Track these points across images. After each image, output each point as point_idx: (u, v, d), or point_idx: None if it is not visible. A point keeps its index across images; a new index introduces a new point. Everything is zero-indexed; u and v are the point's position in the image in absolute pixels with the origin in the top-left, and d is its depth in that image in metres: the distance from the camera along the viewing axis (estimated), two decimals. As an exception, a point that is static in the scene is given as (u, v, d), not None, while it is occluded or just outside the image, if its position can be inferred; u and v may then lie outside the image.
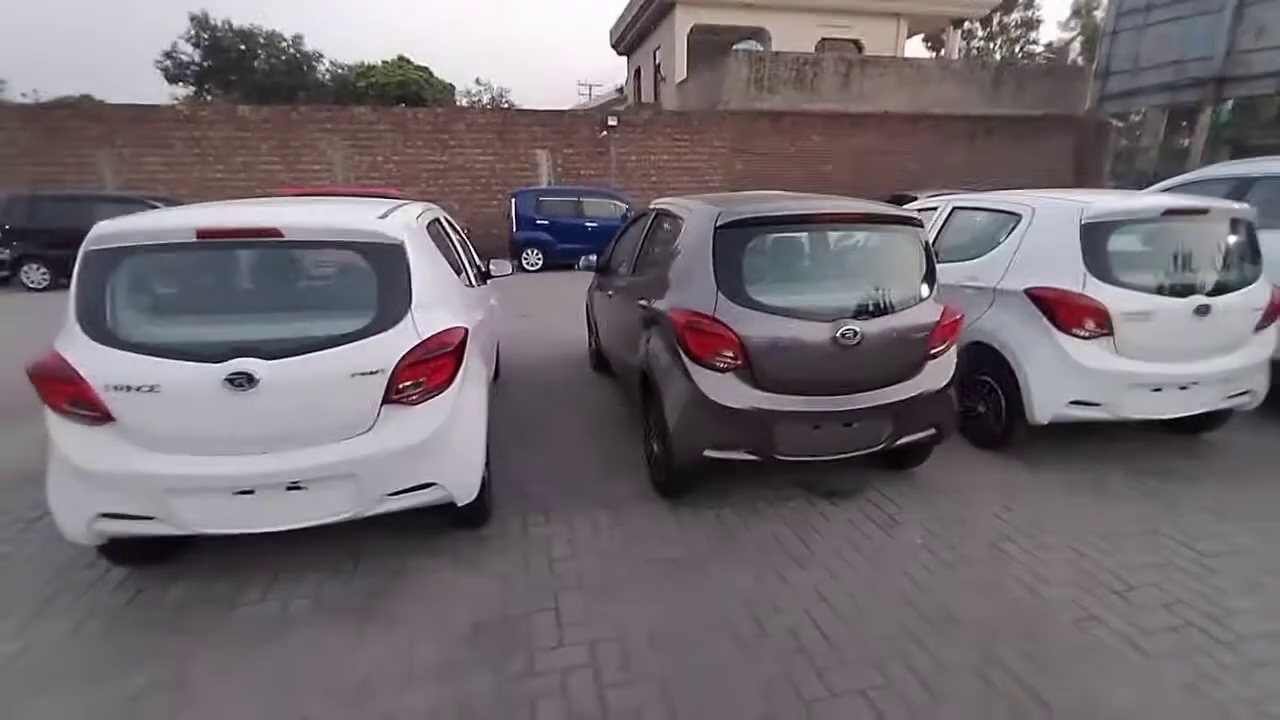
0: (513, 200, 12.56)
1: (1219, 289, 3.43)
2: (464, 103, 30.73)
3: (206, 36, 28.16)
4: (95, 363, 2.20)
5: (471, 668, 2.18)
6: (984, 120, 17.47)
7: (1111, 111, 17.58)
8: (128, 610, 2.50)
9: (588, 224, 12.55)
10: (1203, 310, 3.34)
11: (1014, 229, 3.83)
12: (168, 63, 29.10)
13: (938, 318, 3.05)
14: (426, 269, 2.65)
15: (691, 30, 19.63)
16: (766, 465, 3.11)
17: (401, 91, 27.05)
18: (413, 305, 2.49)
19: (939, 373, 3.11)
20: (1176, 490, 3.40)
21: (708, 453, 2.95)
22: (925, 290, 3.09)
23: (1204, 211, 3.51)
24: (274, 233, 2.34)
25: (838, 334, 2.83)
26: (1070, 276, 3.41)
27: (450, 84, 31.02)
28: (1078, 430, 3.79)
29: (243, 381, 2.21)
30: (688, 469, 3.06)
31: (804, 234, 3.07)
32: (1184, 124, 19.64)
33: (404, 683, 2.12)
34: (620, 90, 30.37)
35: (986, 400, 3.82)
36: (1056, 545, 2.87)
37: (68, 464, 2.27)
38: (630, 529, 3.06)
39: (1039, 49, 36.82)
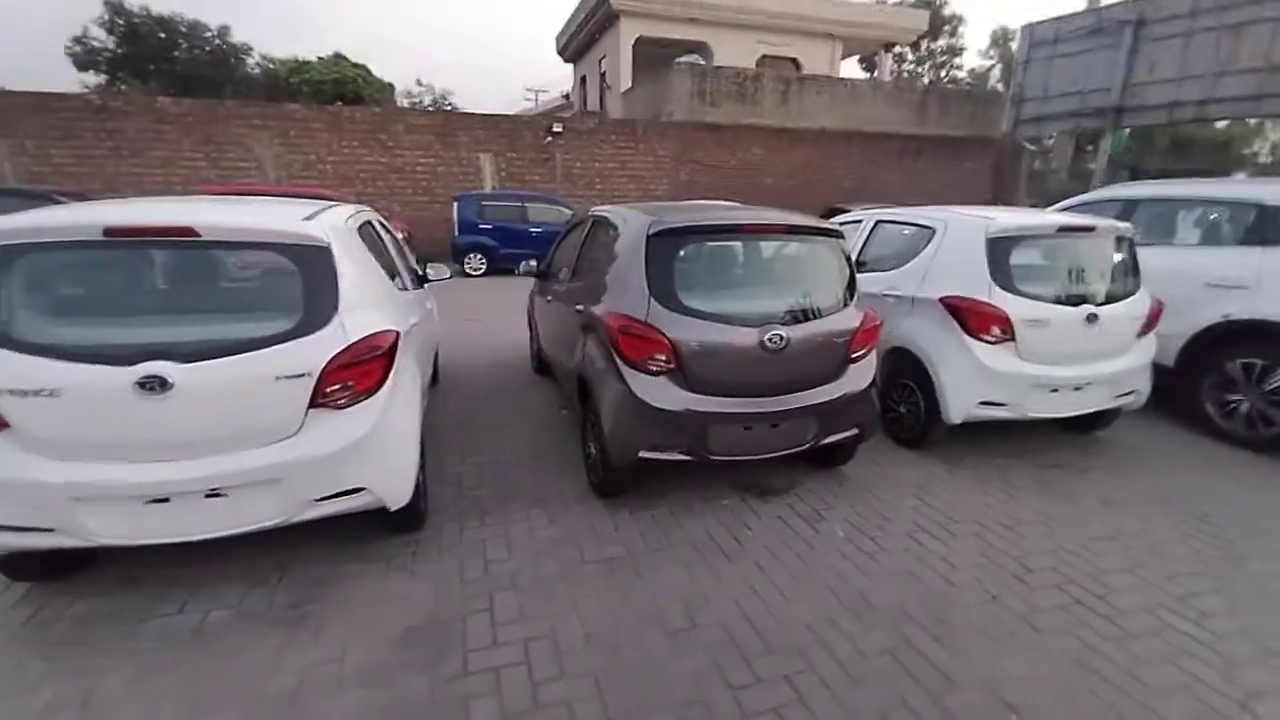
0: (455, 204, 12.36)
1: (1106, 299, 3.78)
2: (405, 104, 29.97)
3: (122, 22, 26.39)
4: (21, 367, 2.07)
5: (404, 671, 2.16)
6: (913, 139, 18.46)
7: (1025, 135, 18.93)
8: (27, 627, 2.34)
9: (532, 230, 12.49)
10: (1092, 318, 3.67)
11: (929, 241, 4.10)
12: (77, 49, 27.09)
13: (858, 324, 3.24)
14: (356, 271, 2.61)
15: (637, 41, 19.90)
16: (700, 466, 3.21)
17: (338, 90, 26.10)
18: (340, 308, 2.46)
19: (860, 375, 3.30)
20: (1071, 482, 3.71)
21: (643, 454, 3.03)
22: (847, 298, 3.28)
23: (1091, 229, 3.86)
24: (189, 232, 2.26)
25: (765, 338, 2.96)
26: (978, 286, 3.68)
27: (390, 84, 30.21)
28: (987, 429, 4.08)
29: (155, 385, 2.12)
30: (623, 470, 3.12)
31: (733, 243, 3.21)
32: (1089, 148, 21.37)
33: (335, 689, 2.08)
34: (566, 97, 30.40)
35: (907, 401, 4.06)
36: (965, 535, 3.09)
37: (-49, 473, 2.11)
38: (567, 529, 3.10)
39: (962, 74, 39.27)
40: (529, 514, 3.24)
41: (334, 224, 2.65)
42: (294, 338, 2.34)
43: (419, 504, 2.89)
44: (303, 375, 2.33)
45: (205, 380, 2.19)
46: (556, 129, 15.04)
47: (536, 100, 38.18)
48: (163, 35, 27.35)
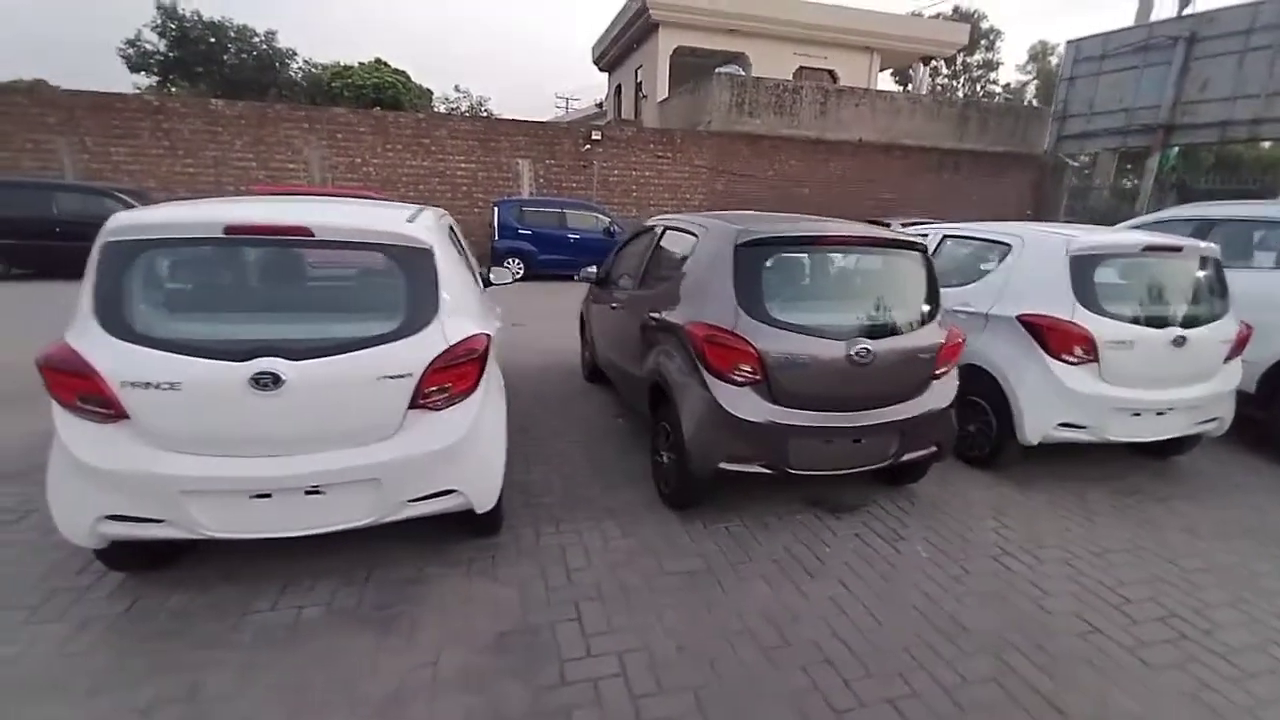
0: (495, 209, 12.49)
1: (1193, 322, 3.66)
2: (441, 109, 30.46)
3: (174, 26, 27.27)
4: (111, 358, 2.12)
5: (501, 677, 2.15)
6: (951, 154, 18.24)
7: (1067, 152, 18.61)
8: (126, 618, 2.38)
9: (570, 236, 12.58)
10: (1180, 341, 3.56)
11: (1005, 258, 4.02)
12: (130, 51, 28.06)
13: (943, 340, 3.18)
14: (452, 274, 2.63)
15: (674, 51, 20.00)
16: (771, 480, 3.16)
17: (378, 94, 26.65)
18: (440, 310, 2.48)
19: (942, 393, 3.24)
20: (1152, 510, 3.59)
21: (723, 465, 2.99)
22: (931, 313, 3.22)
23: (1178, 249, 3.76)
24: (304, 231, 2.30)
25: (852, 352, 2.92)
26: (1060, 305, 3.59)
27: (428, 89, 30.76)
28: (1058, 450, 3.97)
29: (268, 381, 2.15)
30: (702, 481, 3.09)
31: (820, 254, 3.17)
32: (1129, 166, 20.90)
33: (434, 693, 2.08)
34: (600, 105, 30.64)
35: (978, 420, 3.97)
36: (1052, 560, 3.00)
37: (74, 462, 2.16)
38: (641, 540, 3.07)
39: (998, 89, 38.75)
40: (600, 523, 3.22)
41: (430, 226, 2.67)
42: (397, 338, 2.37)
43: (499, 508, 2.90)
44: (405, 376, 2.35)
45: (314, 378, 2.21)
46: (595, 137, 15.14)
47: (567, 108, 38.56)
48: (212, 40, 28.18)
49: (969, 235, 4.53)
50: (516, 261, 12.49)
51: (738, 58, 20.58)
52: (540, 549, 2.97)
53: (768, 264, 3.00)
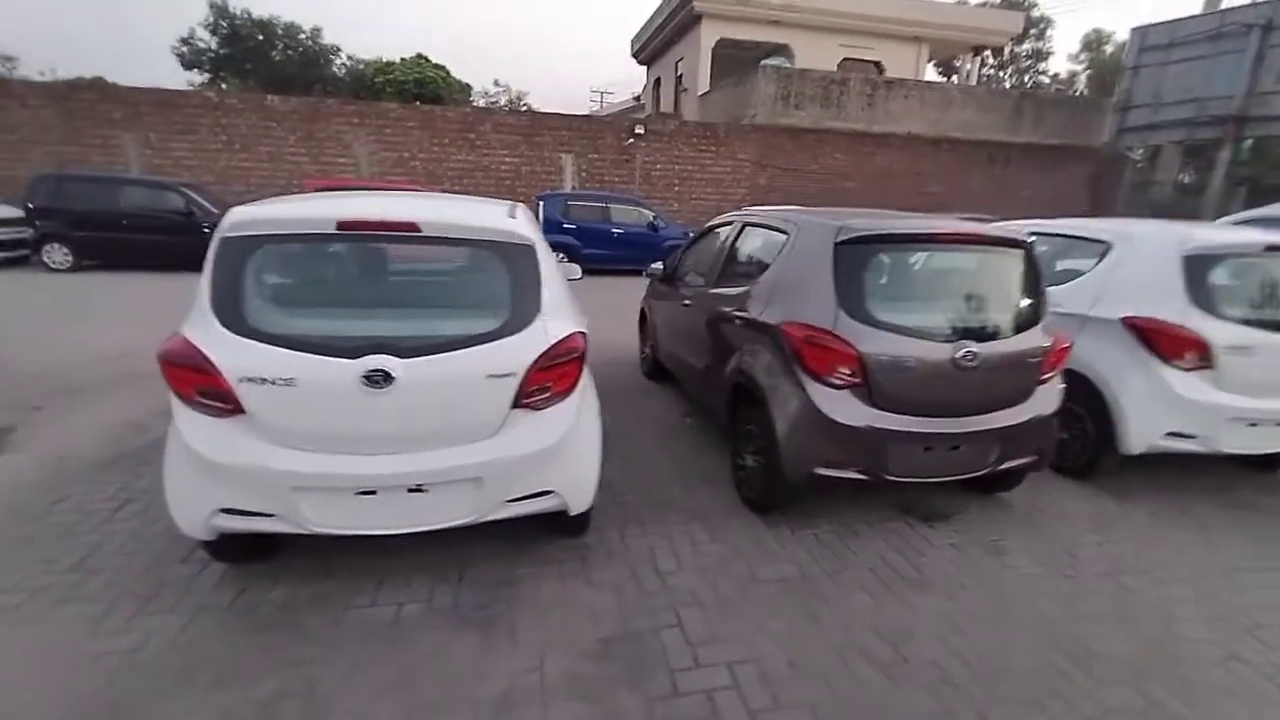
0: (540, 203, 12.50)
1: (1318, 327, 3.41)
2: (481, 103, 30.72)
3: (225, 25, 28.05)
4: (230, 353, 2.12)
5: (610, 685, 2.10)
6: (1004, 146, 17.64)
7: (1129, 144, 17.82)
8: (234, 609, 2.40)
9: (614, 230, 12.53)
10: (1305, 347, 3.32)
11: (1105, 256, 3.81)
12: (184, 49, 28.97)
13: (1050, 343, 3.02)
14: (551, 271, 2.59)
15: (717, 44, 19.74)
16: (858, 485, 3.04)
17: (419, 89, 27.00)
18: (543, 308, 2.43)
19: (1047, 399, 3.08)
20: (1274, 528, 3.37)
21: (819, 470, 2.89)
22: (1037, 315, 3.06)
23: (1306, 249, 3.50)
24: (412, 227, 2.27)
25: (957, 355, 2.79)
26: (1171, 307, 3.38)
27: (468, 84, 31.05)
28: (1156, 460, 3.75)
29: (380, 379, 2.13)
30: (795, 486, 3.00)
31: (924, 253, 3.04)
32: (1187, 161, 19.88)
33: (544, 699, 2.04)
34: (637, 99, 30.51)
35: (1072, 428, 3.78)
36: (1175, 580, 2.82)
37: (192, 455, 2.18)
38: (730, 545, 3.00)
39: (1046, 80, 37.34)
40: (686, 526, 3.15)
41: (529, 221, 2.63)
42: (502, 336, 2.33)
43: (588, 509, 2.85)
44: (509, 375, 2.31)
45: (422, 375, 2.19)
46: (638, 131, 15.06)
47: (602, 102, 38.53)
48: (260, 37, 28.91)
49: (1059, 233, 4.31)
50: (562, 256, 12.49)
51: (781, 49, 20.21)
52: (629, 551, 2.92)
53: (869, 262, 2.88)
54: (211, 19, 27.95)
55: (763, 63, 16.97)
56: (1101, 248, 3.87)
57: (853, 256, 2.86)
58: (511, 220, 2.48)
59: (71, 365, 5.33)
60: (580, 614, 2.46)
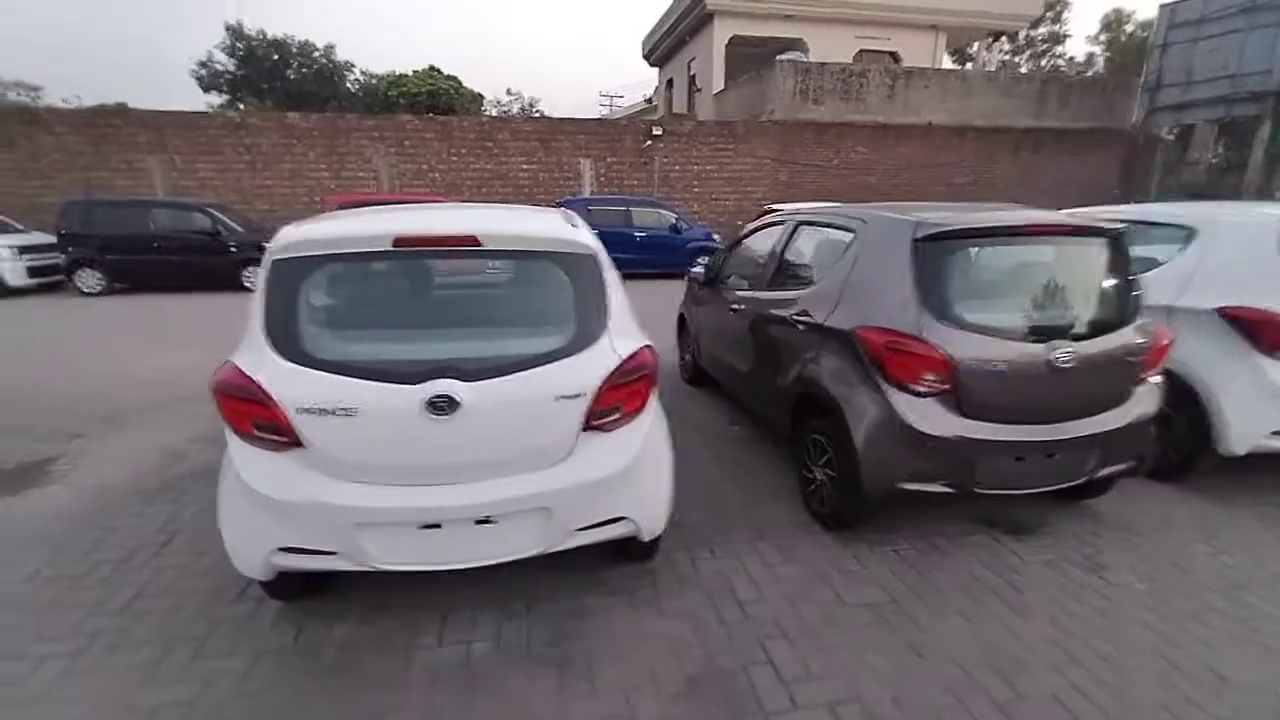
0: (561, 208, 12.37)
1: None
2: (494, 113, 30.81)
3: (241, 46, 28.46)
4: (287, 383, 1.98)
5: (708, 733, 1.93)
6: (1029, 132, 17.18)
7: (1160, 125, 17.27)
8: (295, 652, 2.26)
9: (637, 234, 12.36)
10: None
11: (1189, 243, 3.56)
12: (203, 72, 29.46)
13: (1150, 340, 2.79)
14: (615, 282, 2.42)
15: (730, 41, 19.53)
16: (932, 497, 2.82)
17: (432, 101, 27.13)
18: (609, 322, 2.27)
19: (1147, 400, 2.85)
20: (1395, 532, 3.09)
21: (903, 485, 2.69)
22: (1134, 310, 2.83)
23: None
24: (472, 241, 2.12)
25: (1053, 356, 2.57)
26: (1274, 294, 3.12)
27: (479, 94, 31.16)
28: (1248, 461, 3.47)
29: (444, 405, 1.98)
30: (875, 502, 2.80)
31: (1010, 246, 2.82)
32: (1220, 139, 19.16)
33: (638, 750, 1.87)
34: (649, 100, 30.38)
35: (1161, 427, 3.51)
36: (1305, 596, 2.58)
37: (249, 493, 2.05)
38: (807, 566, 2.80)
39: (1062, 64, 36.52)
40: (756, 545, 2.97)
41: (589, 229, 2.47)
42: (570, 354, 2.17)
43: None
44: (579, 396, 2.15)
45: (488, 400, 2.03)
46: (656, 132, 14.90)
47: (611, 106, 38.43)
48: (276, 56, 29.28)
49: (1131, 219, 4.05)
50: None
51: (795, 44, 19.91)
52: (699, 576, 2.74)
53: (952, 259, 2.67)
54: (228, 41, 28.39)
55: (779, 57, 16.71)
56: (1184, 234, 3.61)
57: (934, 254, 2.65)
58: (573, 229, 2.32)
59: (108, 391, 5.29)
60: (660, 649, 2.29)
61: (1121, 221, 3.97)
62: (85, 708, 2.02)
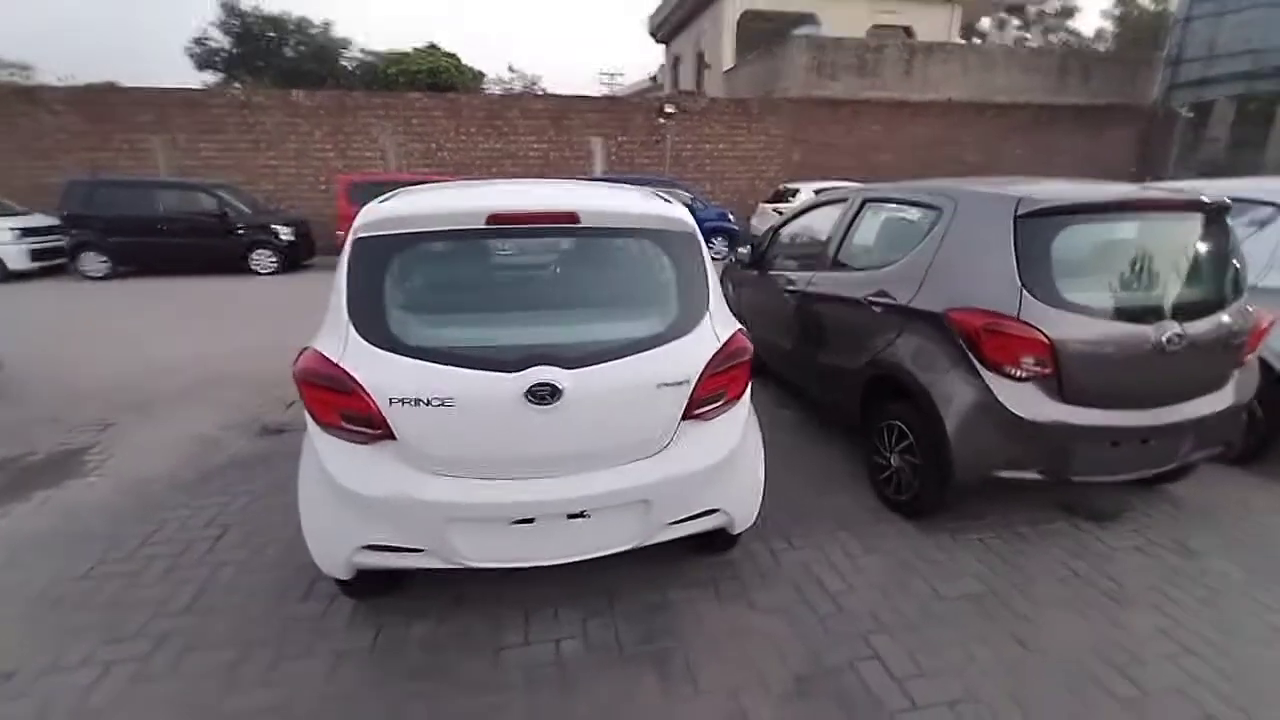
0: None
1: None
2: (496, 91, 30.26)
3: (237, 23, 27.79)
4: (378, 371, 1.85)
5: (830, 736, 1.84)
6: (1047, 109, 16.88)
7: (1181, 101, 16.96)
8: (377, 653, 2.16)
9: (651, 214, 12.14)
10: None
11: (1274, 221, 3.42)
12: (198, 49, 28.80)
13: (1251, 321, 2.67)
14: (711, 263, 2.28)
15: (741, 16, 19.09)
16: (1002, 482, 2.72)
17: (433, 79, 26.58)
18: (710, 305, 2.14)
19: (1246, 384, 2.74)
20: None
21: (998, 473, 2.59)
22: (1239, 289, 2.70)
23: None
24: (571, 218, 1.98)
25: (1162, 339, 2.45)
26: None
27: (480, 71, 30.55)
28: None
29: (546, 394, 1.85)
30: (965, 490, 2.69)
31: (1114, 223, 2.68)
32: (1240, 116, 18.84)
33: (759, 756, 1.77)
34: (654, 79, 29.85)
35: (1238, 411, 3.42)
36: None
37: (334, 488, 1.92)
38: (892, 556, 2.71)
39: (1071, 39, 35.88)
40: (834, 534, 2.87)
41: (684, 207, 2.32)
42: (672, 339, 2.04)
43: (746, 525, 2.57)
44: (682, 383, 2.03)
45: (590, 388, 1.91)
46: (668, 110, 14.58)
47: (611, 84, 37.79)
48: (272, 33, 28.61)
49: (1244, 197, 3.87)
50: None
51: (808, 19, 19.48)
52: (781, 567, 2.64)
53: (1055, 237, 2.53)
54: (223, 18, 27.71)
55: (795, 32, 16.33)
56: (1270, 211, 3.47)
57: (1036, 231, 2.51)
58: (670, 206, 2.18)
59: (133, 378, 5.15)
60: (759, 646, 2.19)
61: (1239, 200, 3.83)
62: (165, 717, 1.91)
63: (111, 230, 10.30)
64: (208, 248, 10.69)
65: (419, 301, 2.03)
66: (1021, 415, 2.49)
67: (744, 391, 2.21)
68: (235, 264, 10.73)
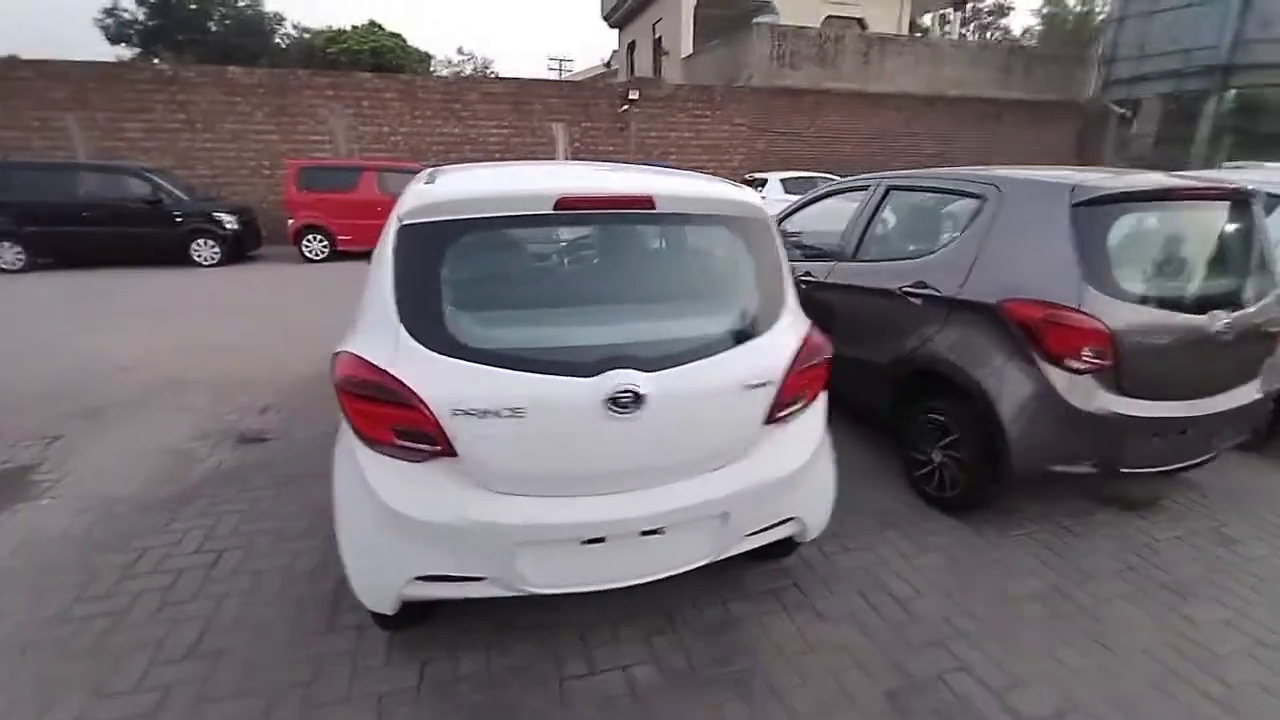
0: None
1: None
2: (444, 73, 29.12)
3: (154, -7, 25.68)
4: (437, 379, 1.61)
5: (942, 759, 1.72)
6: (994, 104, 17.47)
7: (1115, 98, 17.85)
8: (426, 694, 1.92)
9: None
10: None
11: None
12: (109, 21, 26.48)
13: (1286, 308, 2.71)
14: (784, 252, 2.12)
15: (698, 2, 18.92)
16: (1062, 477, 2.71)
17: (376, 59, 25.33)
18: (788, 298, 1.98)
19: (1275, 372, 2.78)
20: None
21: (1055, 467, 2.54)
22: (1275, 278, 2.74)
23: None
24: (646, 202, 1.77)
25: (1216, 328, 2.45)
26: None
27: (427, 53, 29.35)
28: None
29: (628, 401, 1.65)
30: (1018, 486, 2.64)
31: (1171, 211, 2.65)
32: (1168, 114, 20.07)
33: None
34: (608, 65, 29.36)
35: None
36: None
37: (388, 514, 1.67)
38: (946, 555, 2.64)
39: (1001, 36, 37.46)
40: (883, 534, 2.78)
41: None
42: (755, 336, 1.87)
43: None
44: (766, 384, 1.86)
45: (674, 392, 1.72)
46: (633, 96, 14.30)
47: (560, 70, 36.96)
48: (194, 5, 26.60)
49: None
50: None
51: (765, 7, 19.48)
52: (839, 571, 2.53)
53: (1113, 225, 2.48)
54: (138, -14, 25.55)
55: (756, 20, 16.29)
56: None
57: (1093, 219, 2.46)
58: (742, 191, 2.00)
59: (74, 382, 4.60)
60: (838, 660, 2.07)
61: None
62: (190, 786, 1.63)
63: (27, 219, 9.28)
64: (140, 237, 9.77)
65: (479, 297, 1.78)
66: (1081, 408, 2.44)
67: (821, 392, 2.07)
68: (173, 255, 9.86)
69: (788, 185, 11.80)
